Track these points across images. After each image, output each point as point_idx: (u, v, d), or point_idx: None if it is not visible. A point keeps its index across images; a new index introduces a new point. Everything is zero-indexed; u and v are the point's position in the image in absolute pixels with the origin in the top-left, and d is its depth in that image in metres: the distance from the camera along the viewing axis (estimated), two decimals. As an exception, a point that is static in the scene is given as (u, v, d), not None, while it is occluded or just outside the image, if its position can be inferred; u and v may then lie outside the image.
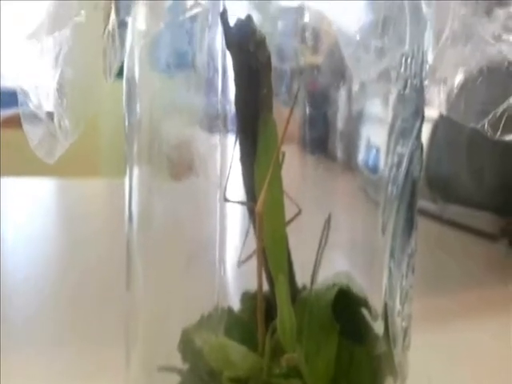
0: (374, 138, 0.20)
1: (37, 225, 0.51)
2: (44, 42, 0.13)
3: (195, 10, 0.12)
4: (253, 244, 0.18)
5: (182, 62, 0.18)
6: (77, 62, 0.13)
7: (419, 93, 0.18)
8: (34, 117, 0.14)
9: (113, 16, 0.12)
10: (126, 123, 0.20)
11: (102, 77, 0.15)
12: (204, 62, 0.18)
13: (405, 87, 0.17)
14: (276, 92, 0.17)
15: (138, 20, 0.13)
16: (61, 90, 0.13)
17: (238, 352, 0.18)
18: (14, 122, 0.19)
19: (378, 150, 0.20)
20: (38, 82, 0.14)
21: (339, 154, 0.20)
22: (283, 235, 0.18)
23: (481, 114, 0.16)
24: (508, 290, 0.40)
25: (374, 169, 0.20)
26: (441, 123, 0.49)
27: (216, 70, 0.18)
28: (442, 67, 0.17)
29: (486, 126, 0.16)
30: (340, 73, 0.19)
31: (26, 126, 0.14)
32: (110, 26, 0.13)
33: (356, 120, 0.20)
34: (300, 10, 0.18)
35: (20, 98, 0.15)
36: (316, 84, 0.19)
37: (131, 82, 0.19)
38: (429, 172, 0.49)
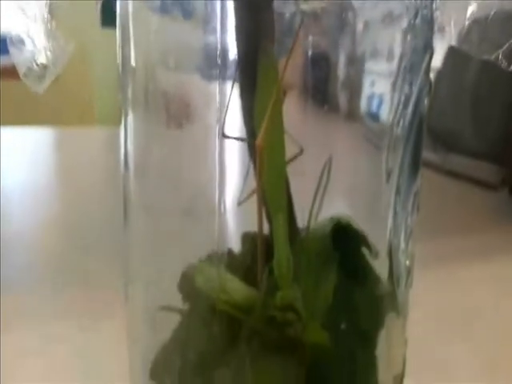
0: (379, 83, 0.19)
1: (34, 173, 0.50)
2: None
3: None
4: (253, 184, 0.18)
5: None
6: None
7: (429, 25, 0.17)
8: (21, 42, 0.13)
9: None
10: (120, 70, 0.19)
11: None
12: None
13: (415, 17, 0.16)
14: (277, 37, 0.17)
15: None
16: (50, 11, 0.12)
17: (235, 284, 0.18)
18: (12, 73, 0.18)
19: (382, 96, 0.19)
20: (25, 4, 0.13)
21: (342, 100, 0.19)
22: (283, 172, 0.18)
23: (494, 46, 0.16)
24: (507, 235, 0.40)
25: (378, 115, 0.19)
26: (443, 73, 0.48)
27: (214, 10, 0.17)
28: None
29: (500, 56, 0.15)
30: (343, 14, 0.18)
31: (13, 54, 0.13)
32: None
33: (360, 63, 0.19)
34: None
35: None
36: (318, 27, 0.18)
37: (125, 27, 0.18)
38: (430, 122, 0.48)
